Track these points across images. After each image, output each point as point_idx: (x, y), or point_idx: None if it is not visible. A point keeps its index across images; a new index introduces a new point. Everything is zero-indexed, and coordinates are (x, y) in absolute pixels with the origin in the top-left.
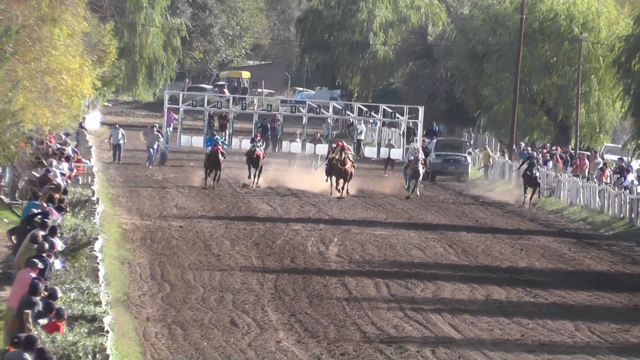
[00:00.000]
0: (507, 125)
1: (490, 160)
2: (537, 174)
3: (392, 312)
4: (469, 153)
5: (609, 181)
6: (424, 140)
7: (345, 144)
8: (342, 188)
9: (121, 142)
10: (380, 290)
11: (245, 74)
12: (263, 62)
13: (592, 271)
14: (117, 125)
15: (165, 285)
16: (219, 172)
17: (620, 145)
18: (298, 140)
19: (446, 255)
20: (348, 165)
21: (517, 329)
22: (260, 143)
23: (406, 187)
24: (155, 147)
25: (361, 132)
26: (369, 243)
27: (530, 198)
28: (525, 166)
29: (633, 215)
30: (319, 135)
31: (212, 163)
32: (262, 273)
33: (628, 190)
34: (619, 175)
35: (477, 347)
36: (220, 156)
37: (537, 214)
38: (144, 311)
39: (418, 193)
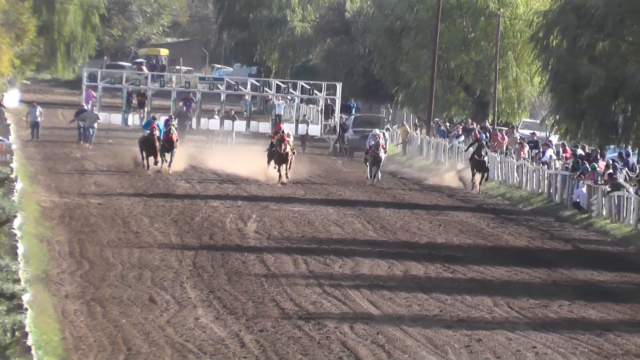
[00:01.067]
0: (425, 102)
1: (408, 136)
2: (486, 158)
3: (310, 288)
4: (387, 129)
5: (527, 157)
6: (341, 117)
7: (285, 132)
8: (284, 173)
9: (39, 119)
10: (299, 266)
11: (164, 52)
12: (181, 40)
13: (510, 247)
14: (34, 103)
15: (84, 262)
16: (159, 158)
17: (538, 121)
18: (216, 117)
19: (364, 232)
20: (288, 149)
21: (436, 304)
22: (175, 123)
23: (367, 175)
24: (96, 126)
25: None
26: (288, 219)
27: (480, 183)
28: (472, 149)
29: (551, 191)
30: (233, 112)
31: (148, 148)
32: (181, 250)
33: (546, 166)
34: (537, 151)
35: (395, 323)
36: (157, 142)
37: (455, 190)
38: (63, 289)
39: (379, 178)
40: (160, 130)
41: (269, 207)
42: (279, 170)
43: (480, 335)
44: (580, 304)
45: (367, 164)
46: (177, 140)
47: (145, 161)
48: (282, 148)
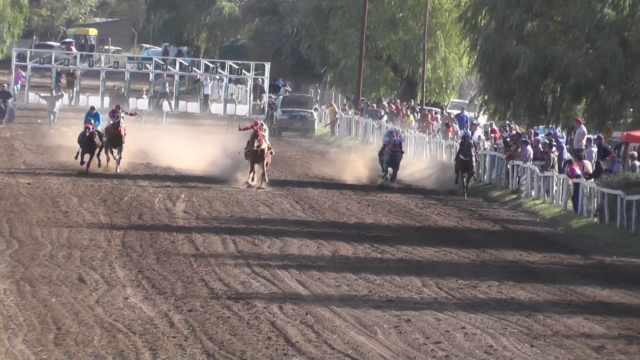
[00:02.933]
0: (354, 81)
1: (337, 116)
2: (473, 159)
3: (239, 268)
4: (315, 109)
5: (454, 137)
6: (270, 97)
7: (260, 127)
8: (261, 174)
9: None
10: (228, 246)
11: (92, 31)
12: (110, 20)
13: (439, 227)
14: None
15: (14, 242)
16: (95, 156)
17: (467, 101)
18: (145, 97)
19: (293, 212)
20: (264, 145)
21: (365, 285)
22: (123, 115)
23: (382, 174)
24: (56, 110)
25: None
26: (216, 199)
27: (466, 183)
28: (458, 147)
29: (480, 171)
30: (122, 90)
31: (85, 146)
32: (110, 230)
33: (474, 147)
34: (465, 131)
35: (324, 303)
36: (96, 139)
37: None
38: None
39: (395, 185)
40: (98, 122)
41: (197, 187)
42: (252, 170)
43: (409, 316)
44: (509, 285)
45: (383, 163)
46: (125, 134)
47: (80, 157)
48: (256, 145)
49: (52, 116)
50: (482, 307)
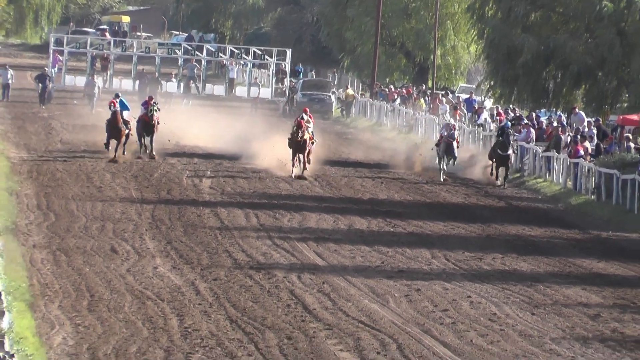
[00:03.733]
0: (369, 67)
1: (353, 98)
2: (510, 151)
3: (261, 240)
4: (333, 92)
5: (462, 119)
6: (291, 80)
7: (305, 117)
8: (302, 163)
9: (10, 81)
10: (250, 220)
11: (125, 19)
12: (141, 8)
13: (447, 203)
14: (6, 66)
15: (51, 214)
16: (122, 146)
17: (474, 86)
18: (174, 80)
19: (311, 188)
20: (306, 136)
21: (378, 256)
22: (157, 107)
23: (439, 166)
24: (96, 92)
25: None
26: (241, 176)
27: (505, 178)
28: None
29: (486, 151)
30: (156, 75)
31: (110, 130)
32: (141, 204)
33: (482, 128)
34: (471, 114)
35: (340, 273)
36: (120, 124)
37: (396, 149)
38: (31, 239)
39: (443, 177)
40: (125, 106)
41: (222, 165)
42: (293, 160)
43: (418, 285)
44: (512, 257)
45: (439, 154)
46: (157, 124)
47: (108, 145)
48: (299, 135)
49: (92, 99)
50: (487, 278)
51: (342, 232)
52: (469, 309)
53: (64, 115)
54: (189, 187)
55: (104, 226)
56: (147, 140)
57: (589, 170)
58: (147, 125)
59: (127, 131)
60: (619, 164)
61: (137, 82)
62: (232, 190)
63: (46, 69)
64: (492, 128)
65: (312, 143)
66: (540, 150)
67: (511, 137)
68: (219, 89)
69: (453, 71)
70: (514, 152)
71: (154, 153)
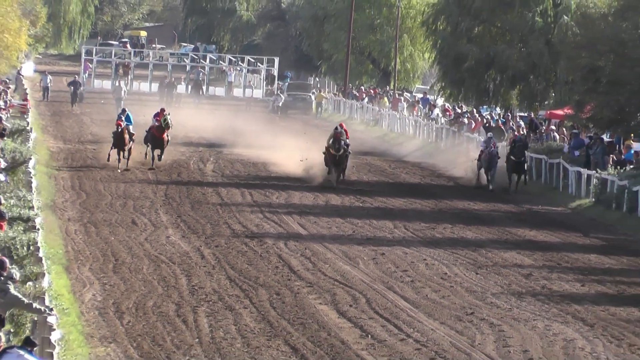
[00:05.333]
0: (342, 72)
1: (323, 100)
2: (523, 158)
3: (254, 214)
4: (313, 93)
5: (419, 114)
6: (278, 83)
7: (341, 129)
8: (338, 177)
9: (49, 85)
10: (245, 197)
11: (143, 33)
12: (156, 24)
13: (407, 183)
14: (46, 72)
15: (82, 194)
16: (125, 153)
17: (428, 87)
18: (183, 83)
19: (297, 171)
20: (341, 151)
21: (350, 227)
22: (170, 118)
23: (483, 179)
24: (123, 95)
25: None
26: (237, 162)
27: (517, 184)
28: (508, 149)
29: (438, 140)
30: (173, 79)
31: (117, 142)
32: (156, 185)
33: (434, 121)
34: (426, 110)
35: (319, 240)
36: (126, 136)
37: (364, 139)
38: (66, 213)
39: (491, 186)
40: (130, 122)
41: (222, 152)
42: (329, 172)
43: (383, 250)
44: (459, 227)
45: (480, 168)
46: (168, 140)
47: (110, 152)
48: (336, 149)
49: (120, 101)
50: (439, 244)
51: (320, 207)
52: (425, 269)
53: (93, 113)
54: (195, 170)
55: (125, 203)
56: (156, 152)
57: None
58: (156, 140)
59: (130, 143)
60: (546, 150)
61: (153, 85)
62: (230, 173)
63: (76, 76)
64: (442, 121)
65: (347, 155)
66: (481, 139)
67: (522, 151)
68: (220, 91)
69: (411, 75)
70: (525, 161)
71: (161, 164)
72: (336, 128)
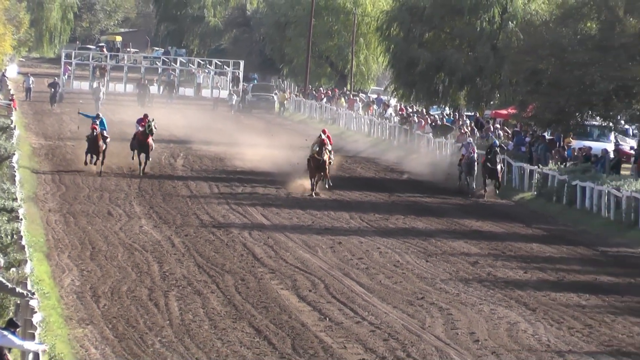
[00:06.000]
0: (303, 74)
1: (286, 100)
2: (498, 166)
3: (221, 205)
4: (275, 94)
5: (374, 114)
6: (244, 84)
7: (326, 136)
8: (318, 182)
9: (31, 85)
10: (213, 190)
11: (118, 38)
12: (131, 30)
13: (362, 177)
14: (28, 74)
15: (62, 186)
16: (100, 158)
17: (382, 88)
18: (155, 84)
19: (259, 166)
20: (325, 157)
21: (309, 217)
22: (154, 123)
23: (467, 184)
24: (101, 96)
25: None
26: (205, 157)
27: (494, 190)
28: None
29: (391, 137)
30: (146, 81)
31: (91, 147)
32: (130, 178)
33: (387, 120)
34: (380, 109)
35: (281, 230)
36: (100, 141)
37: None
38: (47, 205)
39: (474, 186)
40: (104, 126)
41: (192, 148)
42: (311, 180)
43: (340, 239)
44: (411, 218)
45: (460, 172)
46: (152, 146)
47: (87, 157)
48: (321, 154)
49: (98, 102)
50: (392, 234)
51: (282, 199)
52: (379, 257)
53: (73, 111)
54: (166, 165)
55: (102, 195)
56: (142, 157)
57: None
58: (142, 145)
59: (104, 147)
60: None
61: (128, 86)
62: (199, 168)
63: (56, 78)
64: (395, 120)
65: (330, 163)
66: (431, 136)
67: (497, 156)
68: (189, 91)
69: (366, 77)
70: (501, 168)
71: (147, 169)
72: (320, 135)
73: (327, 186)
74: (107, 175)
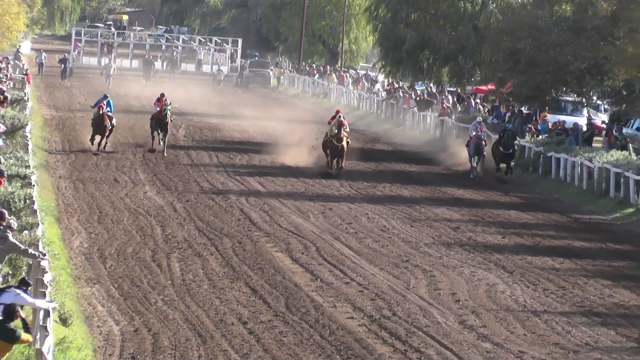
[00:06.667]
0: (297, 52)
1: (283, 75)
2: (512, 149)
3: (219, 173)
4: (271, 69)
5: (363, 89)
6: (242, 61)
7: (343, 117)
8: (338, 166)
9: (44, 61)
10: (212, 159)
11: (125, 17)
12: (136, 9)
13: (351, 147)
14: (41, 50)
15: (72, 155)
16: (105, 139)
17: (371, 65)
18: (159, 60)
19: (255, 137)
20: (343, 142)
21: (302, 185)
22: (170, 105)
23: (471, 164)
24: (112, 72)
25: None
26: (205, 128)
27: (506, 173)
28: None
29: (379, 111)
30: (152, 57)
31: (97, 127)
32: (135, 147)
33: (375, 95)
34: (369, 85)
35: (275, 196)
36: (106, 121)
37: (315, 110)
38: (58, 172)
39: (481, 172)
40: (110, 108)
41: (193, 120)
42: (330, 163)
43: (331, 206)
44: (397, 186)
45: (470, 153)
46: (170, 121)
47: (93, 138)
48: (340, 140)
49: (109, 78)
50: (379, 200)
51: (277, 168)
52: (367, 222)
53: (82, 85)
54: (169, 136)
55: (109, 163)
56: (161, 135)
57: (452, 124)
58: (161, 123)
59: (110, 127)
60: (473, 121)
61: (134, 62)
62: (199, 138)
63: (66, 54)
64: (383, 95)
65: (348, 144)
66: (416, 110)
67: (512, 140)
68: (191, 67)
69: (356, 54)
70: (513, 152)
71: (165, 150)
72: (337, 116)
73: (339, 170)
74: (113, 144)
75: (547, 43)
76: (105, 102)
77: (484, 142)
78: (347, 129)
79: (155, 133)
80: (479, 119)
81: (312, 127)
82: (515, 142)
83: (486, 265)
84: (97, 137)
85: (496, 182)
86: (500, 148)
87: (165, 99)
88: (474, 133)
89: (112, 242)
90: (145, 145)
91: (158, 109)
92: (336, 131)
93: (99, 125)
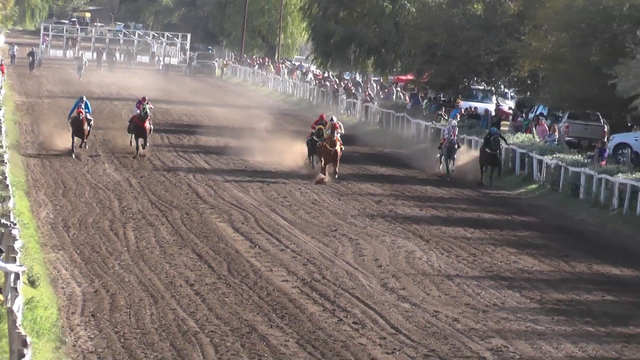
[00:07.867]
0: (239, 45)
1: (226, 67)
2: (498, 150)
3: (170, 152)
4: (216, 61)
5: (297, 78)
6: (190, 53)
7: (336, 120)
8: (331, 171)
9: (16, 53)
10: (164, 140)
11: (87, 14)
12: (98, 7)
13: (287, 130)
14: (13, 44)
15: (40, 136)
16: (83, 141)
17: (305, 57)
18: (117, 53)
19: (202, 120)
20: (337, 146)
21: (243, 163)
22: (150, 106)
23: (441, 167)
24: (84, 65)
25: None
26: (157, 113)
27: (491, 176)
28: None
29: (311, 98)
30: (116, 48)
31: (76, 130)
32: (95, 129)
33: (308, 83)
34: (301, 74)
35: (219, 173)
36: (85, 125)
37: (255, 97)
38: (27, 151)
39: (454, 169)
40: (88, 110)
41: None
42: (323, 170)
43: (268, 182)
44: (367, 185)
45: (442, 155)
46: (150, 130)
47: (73, 141)
48: (331, 143)
49: (81, 70)
50: (311, 177)
51: (221, 148)
52: (300, 196)
53: (49, 74)
54: (126, 119)
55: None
56: (140, 141)
57: (375, 110)
58: (138, 129)
59: (89, 129)
60: (394, 106)
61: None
62: (152, 121)
63: (34, 47)
64: (314, 83)
65: (341, 149)
66: (344, 97)
67: (498, 143)
68: (145, 59)
69: (291, 48)
70: (500, 153)
71: (145, 152)
72: (332, 119)
73: (335, 176)
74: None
75: (461, 38)
76: (82, 105)
77: (456, 146)
78: (342, 131)
79: (133, 137)
80: (454, 122)
81: (250, 112)
82: (502, 145)
83: (405, 235)
84: (77, 140)
85: (477, 185)
86: (487, 149)
87: (147, 102)
88: (446, 136)
89: (75, 213)
90: (105, 129)
91: (138, 111)
92: (329, 132)
93: (79, 129)
